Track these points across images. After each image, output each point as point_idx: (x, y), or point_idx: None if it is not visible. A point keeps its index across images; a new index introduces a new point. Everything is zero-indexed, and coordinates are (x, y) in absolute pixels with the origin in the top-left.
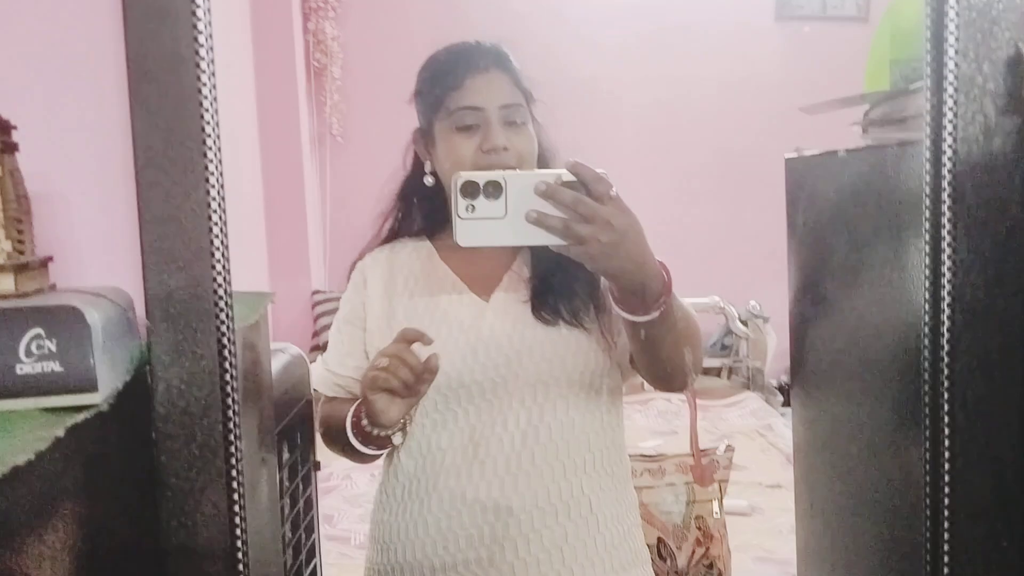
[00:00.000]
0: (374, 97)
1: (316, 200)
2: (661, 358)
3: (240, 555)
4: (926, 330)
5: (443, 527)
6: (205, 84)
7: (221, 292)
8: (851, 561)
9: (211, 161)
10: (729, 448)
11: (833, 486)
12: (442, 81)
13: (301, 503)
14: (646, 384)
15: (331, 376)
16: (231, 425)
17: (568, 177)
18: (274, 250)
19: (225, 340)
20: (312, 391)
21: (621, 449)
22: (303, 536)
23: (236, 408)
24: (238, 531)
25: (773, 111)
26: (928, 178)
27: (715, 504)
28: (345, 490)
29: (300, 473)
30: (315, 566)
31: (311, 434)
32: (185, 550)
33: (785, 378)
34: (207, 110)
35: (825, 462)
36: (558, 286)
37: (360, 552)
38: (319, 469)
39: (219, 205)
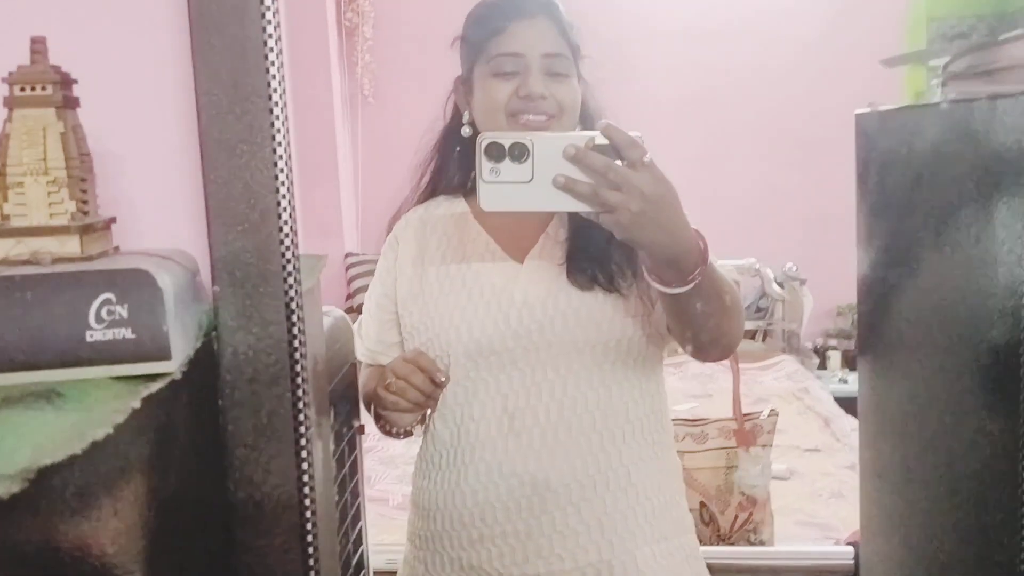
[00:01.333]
0: (406, 57)
1: (348, 162)
2: (696, 329)
3: (309, 526)
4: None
5: (480, 499)
6: (271, 36)
7: (289, 255)
8: (922, 536)
9: (277, 118)
10: (772, 412)
11: (905, 460)
12: (485, 25)
13: (347, 467)
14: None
15: (366, 348)
16: (300, 393)
17: (600, 140)
18: (307, 212)
19: (294, 305)
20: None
21: (662, 416)
22: (348, 499)
23: (305, 376)
24: (307, 501)
25: (815, 68)
26: None
27: (759, 468)
28: (381, 451)
29: (345, 438)
30: (360, 528)
31: (355, 398)
32: (253, 520)
33: (820, 341)
34: (273, 63)
35: (896, 432)
36: (595, 249)
37: (399, 512)
38: (363, 432)
39: (286, 163)
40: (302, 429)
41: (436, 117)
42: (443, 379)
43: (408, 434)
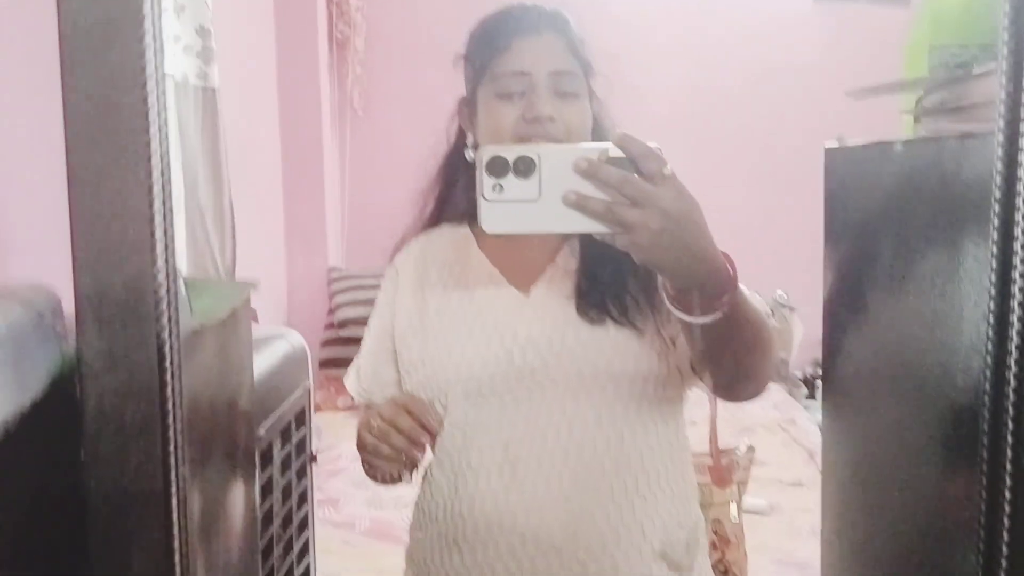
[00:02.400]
0: (397, 71)
1: (335, 175)
2: (724, 365)
3: None
4: (988, 357)
5: (479, 558)
6: (148, 58)
7: (162, 292)
8: None
9: (153, 138)
10: (750, 449)
11: (866, 511)
12: (488, 43)
13: (294, 499)
14: None
15: (361, 388)
16: (171, 447)
17: (614, 152)
18: (291, 226)
19: (167, 349)
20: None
21: (683, 465)
22: (294, 533)
23: (179, 427)
24: (178, 558)
25: (809, 97)
26: (999, 178)
27: (733, 507)
28: (353, 472)
29: (293, 468)
30: (307, 565)
31: (308, 425)
32: None
33: (810, 369)
34: (147, 84)
35: (855, 481)
36: (607, 279)
37: (365, 540)
38: (315, 461)
39: (162, 189)
40: (173, 487)
41: (439, 140)
42: (433, 425)
43: (396, 480)
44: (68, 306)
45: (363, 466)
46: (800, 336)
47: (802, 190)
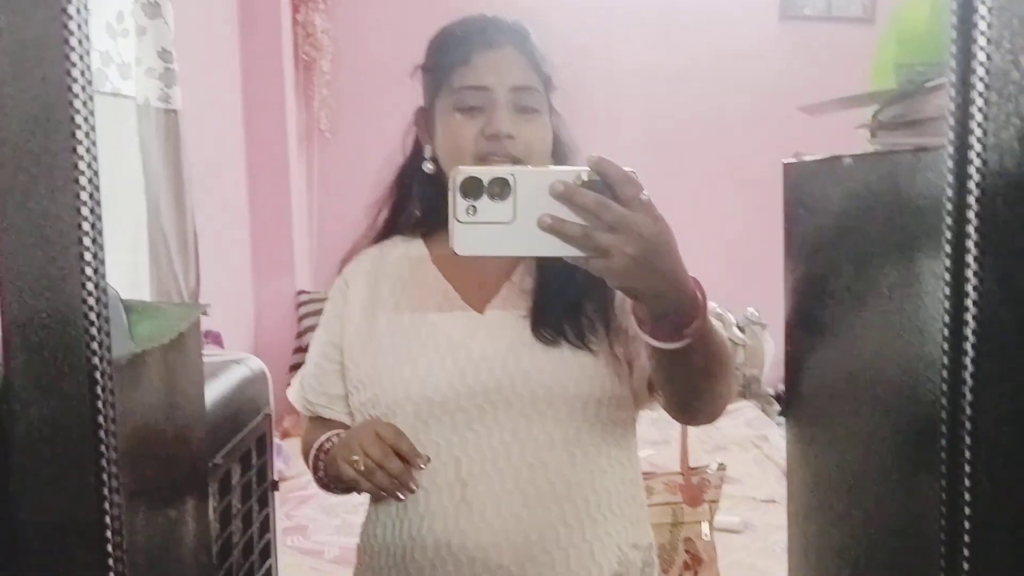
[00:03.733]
0: (364, 92)
1: (302, 197)
2: (687, 390)
3: None
4: (944, 372)
5: None
6: (79, 69)
7: (93, 316)
8: None
9: (81, 159)
10: (721, 467)
11: (830, 530)
12: (448, 55)
13: (255, 526)
14: None
15: (307, 400)
16: (105, 477)
17: (590, 176)
18: (258, 249)
19: (98, 375)
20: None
21: (633, 487)
22: (256, 561)
23: (113, 458)
24: None
25: (775, 113)
26: (951, 191)
27: (705, 525)
28: (323, 499)
29: (254, 495)
30: None
31: (269, 451)
32: None
33: (782, 387)
34: (78, 96)
35: (820, 501)
36: (563, 300)
37: (334, 567)
38: (277, 489)
39: (92, 212)
40: (108, 519)
41: (395, 149)
42: (423, 466)
43: (348, 490)
44: None
45: (314, 475)
46: (772, 353)
47: (771, 208)
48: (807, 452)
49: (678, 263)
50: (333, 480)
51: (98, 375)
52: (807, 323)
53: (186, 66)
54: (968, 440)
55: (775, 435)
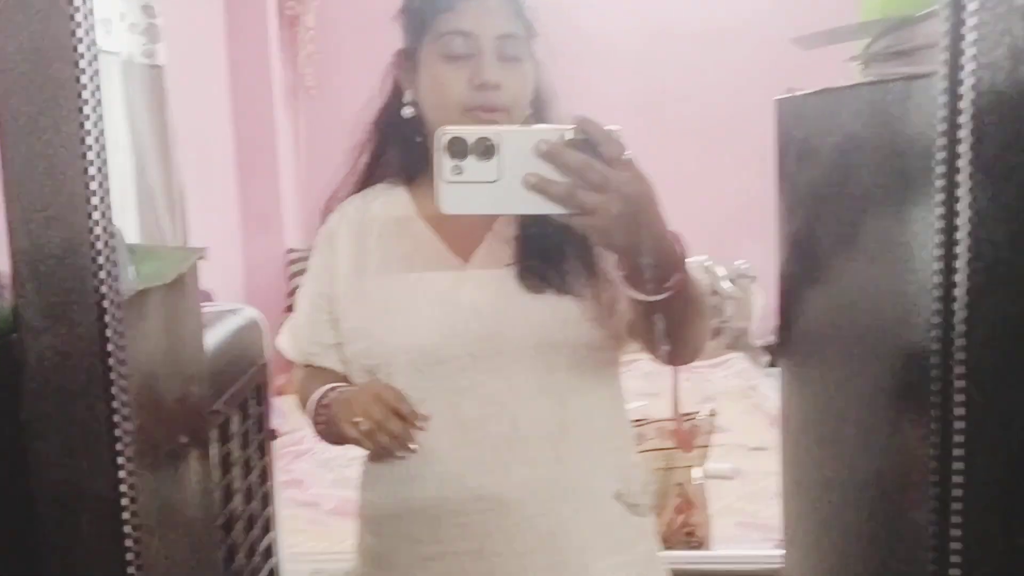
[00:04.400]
0: (351, 47)
1: (290, 155)
2: (668, 337)
3: (131, 556)
4: (937, 295)
5: (431, 515)
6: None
7: (100, 246)
8: (842, 547)
9: (84, 87)
10: (711, 413)
11: (823, 465)
12: None
13: (255, 474)
14: None
15: (299, 350)
16: (116, 404)
17: (574, 135)
18: (246, 207)
19: (106, 303)
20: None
21: (622, 421)
22: (256, 508)
23: (124, 385)
24: (127, 527)
25: (762, 56)
26: (943, 114)
27: (696, 471)
28: (318, 454)
29: (253, 443)
30: (271, 540)
31: (266, 401)
32: (64, 548)
33: (772, 338)
34: (80, 24)
35: (814, 438)
36: (546, 247)
37: (331, 518)
38: (275, 438)
39: (96, 141)
40: (119, 446)
41: (373, 94)
42: (422, 427)
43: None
44: (3, 264)
45: (314, 429)
46: (761, 304)
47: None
48: (799, 391)
49: (659, 220)
50: (335, 436)
51: (106, 304)
52: (800, 262)
53: (169, 22)
54: (961, 357)
55: (764, 385)
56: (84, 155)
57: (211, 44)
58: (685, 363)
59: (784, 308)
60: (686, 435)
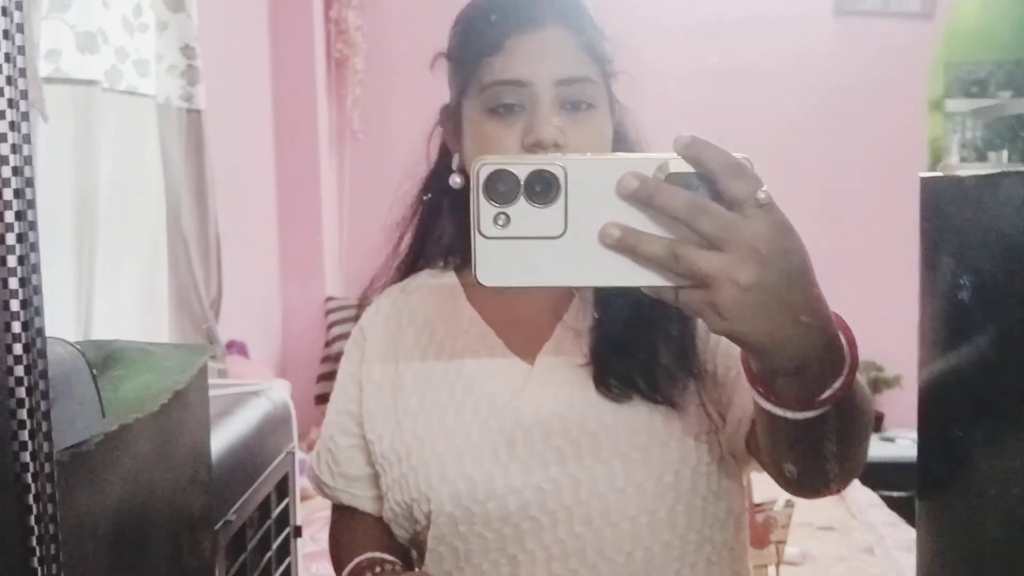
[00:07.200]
0: (399, 92)
1: (333, 201)
2: (811, 465)
3: None
4: None
5: None
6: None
7: (21, 393)
8: None
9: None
10: (788, 504)
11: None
12: (475, 40)
13: None
14: None
15: (323, 484)
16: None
17: (678, 166)
18: (286, 253)
19: (29, 478)
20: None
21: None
22: None
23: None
24: None
25: (830, 109)
26: None
27: (771, 569)
28: None
29: (275, 541)
30: None
31: (292, 493)
32: None
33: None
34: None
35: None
36: (632, 342)
37: None
38: (300, 535)
39: (22, 241)
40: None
41: (419, 159)
42: None
43: None
44: None
45: None
46: None
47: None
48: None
49: (814, 295)
50: None
51: (28, 479)
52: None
53: (211, 63)
54: None
55: None
56: (3, 260)
57: (255, 85)
58: (828, 495)
59: (925, 422)
60: (760, 529)
